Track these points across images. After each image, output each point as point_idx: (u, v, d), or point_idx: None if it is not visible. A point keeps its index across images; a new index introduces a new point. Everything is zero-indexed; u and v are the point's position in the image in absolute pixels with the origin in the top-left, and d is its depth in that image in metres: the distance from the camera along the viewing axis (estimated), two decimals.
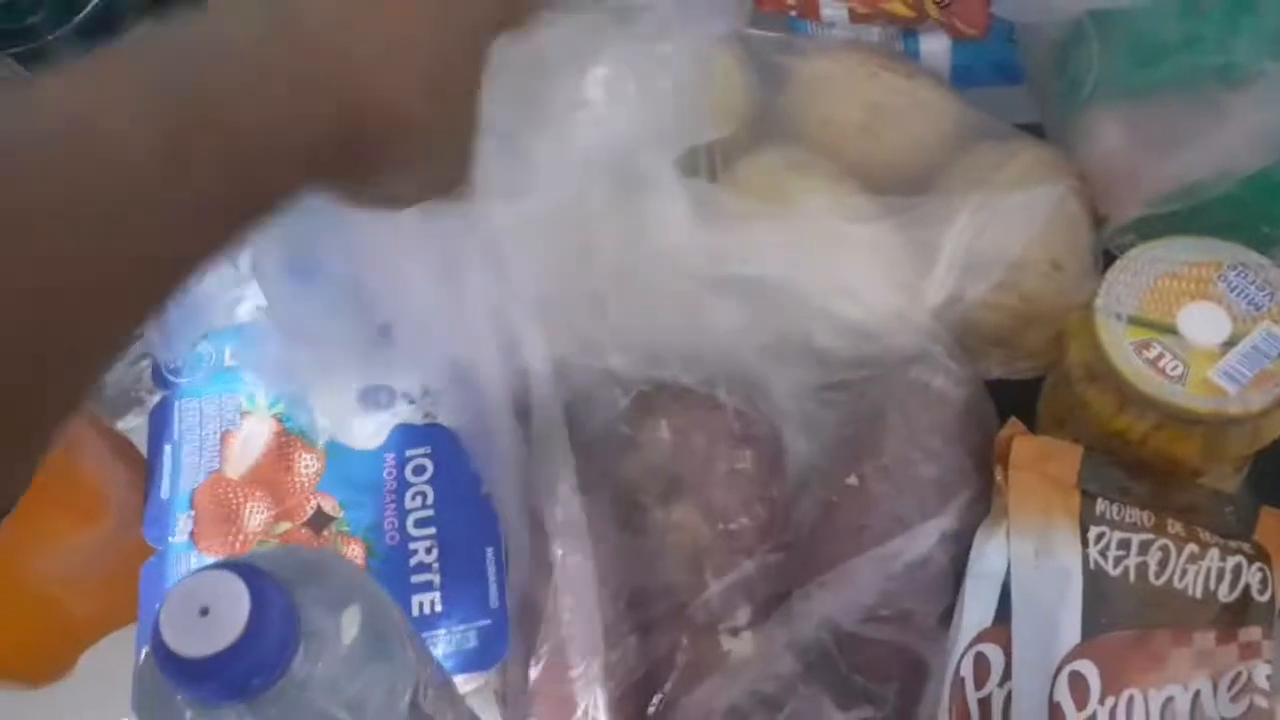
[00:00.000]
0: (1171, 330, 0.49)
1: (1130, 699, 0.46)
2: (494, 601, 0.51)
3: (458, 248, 0.51)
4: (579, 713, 0.49)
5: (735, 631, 0.51)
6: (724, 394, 0.55)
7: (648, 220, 0.53)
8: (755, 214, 0.56)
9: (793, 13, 0.70)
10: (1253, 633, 0.47)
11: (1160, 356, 0.48)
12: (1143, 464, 0.51)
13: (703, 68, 0.61)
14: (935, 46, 0.69)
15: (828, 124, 0.63)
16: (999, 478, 0.51)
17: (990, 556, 0.50)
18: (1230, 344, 0.48)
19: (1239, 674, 0.46)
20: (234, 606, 0.30)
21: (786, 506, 0.55)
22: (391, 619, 0.36)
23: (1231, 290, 0.49)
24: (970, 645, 0.48)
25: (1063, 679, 0.47)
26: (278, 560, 0.35)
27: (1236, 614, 0.48)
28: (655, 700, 0.50)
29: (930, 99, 0.64)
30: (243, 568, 0.32)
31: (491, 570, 0.52)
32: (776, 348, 0.56)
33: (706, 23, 0.62)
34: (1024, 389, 0.58)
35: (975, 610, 0.49)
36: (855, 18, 0.69)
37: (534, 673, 0.50)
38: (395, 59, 0.33)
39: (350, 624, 0.35)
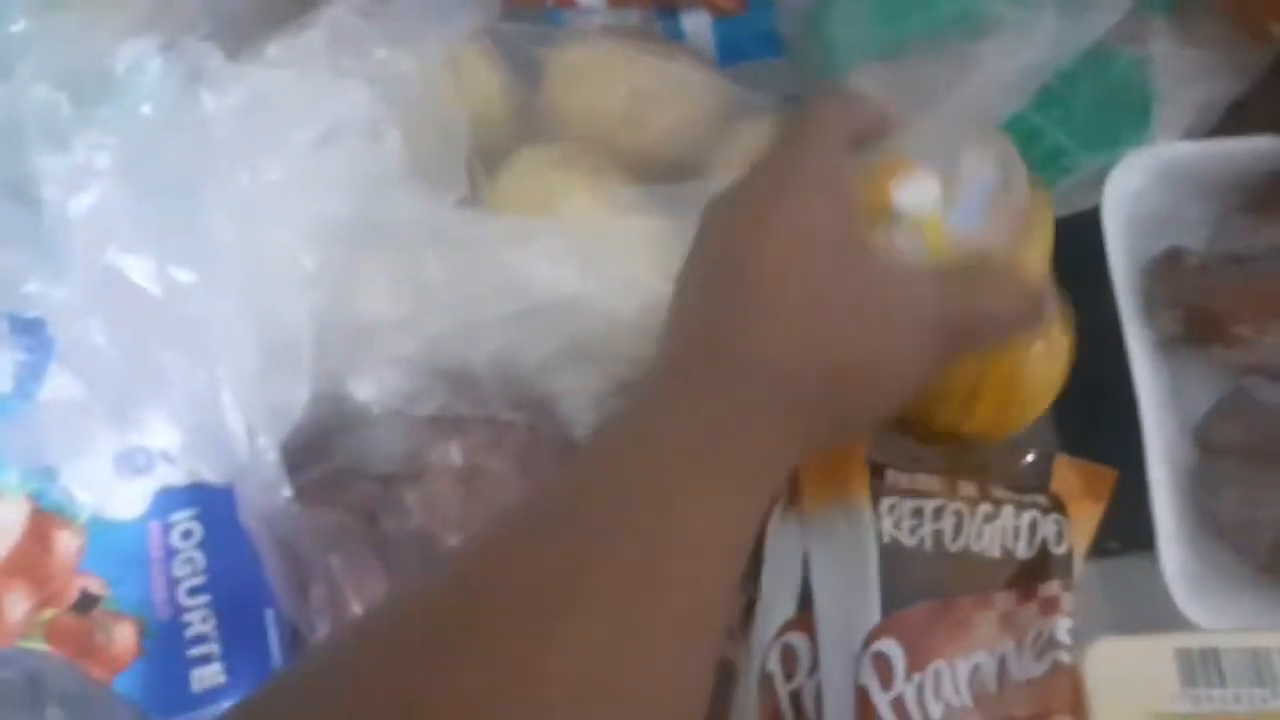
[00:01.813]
0: (892, 213, 0.45)
1: (937, 672, 0.45)
2: (278, 663, 0.48)
3: (196, 324, 0.47)
4: None
5: None
6: (510, 412, 0.53)
7: (410, 261, 0.51)
8: (521, 231, 0.54)
9: (548, 2, 0.67)
10: (1052, 587, 0.46)
11: (893, 239, 0.44)
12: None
13: (451, 72, 0.58)
14: (697, 24, 0.68)
15: (590, 115, 0.61)
16: None
17: (786, 543, 0.48)
18: (949, 194, 0.45)
19: (1040, 632, 0.45)
20: None
21: None
22: None
23: (922, 154, 0.46)
24: (776, 637, 0.47)
25: (866, 661, 0.45)
26: None
27: (1035, 570, 0.47)
28: None
29: (692, 79, 0.62)
30: None
31: (273, 631, 0.49)
32: (558, 362, 0.54)
33: (455, 19, 0.59)
34: None
35: (777, 601, 0.48)
36: (613, 2, 0.67)
37: None
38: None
39: None
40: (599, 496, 0.36)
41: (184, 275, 0.44)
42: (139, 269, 0.44)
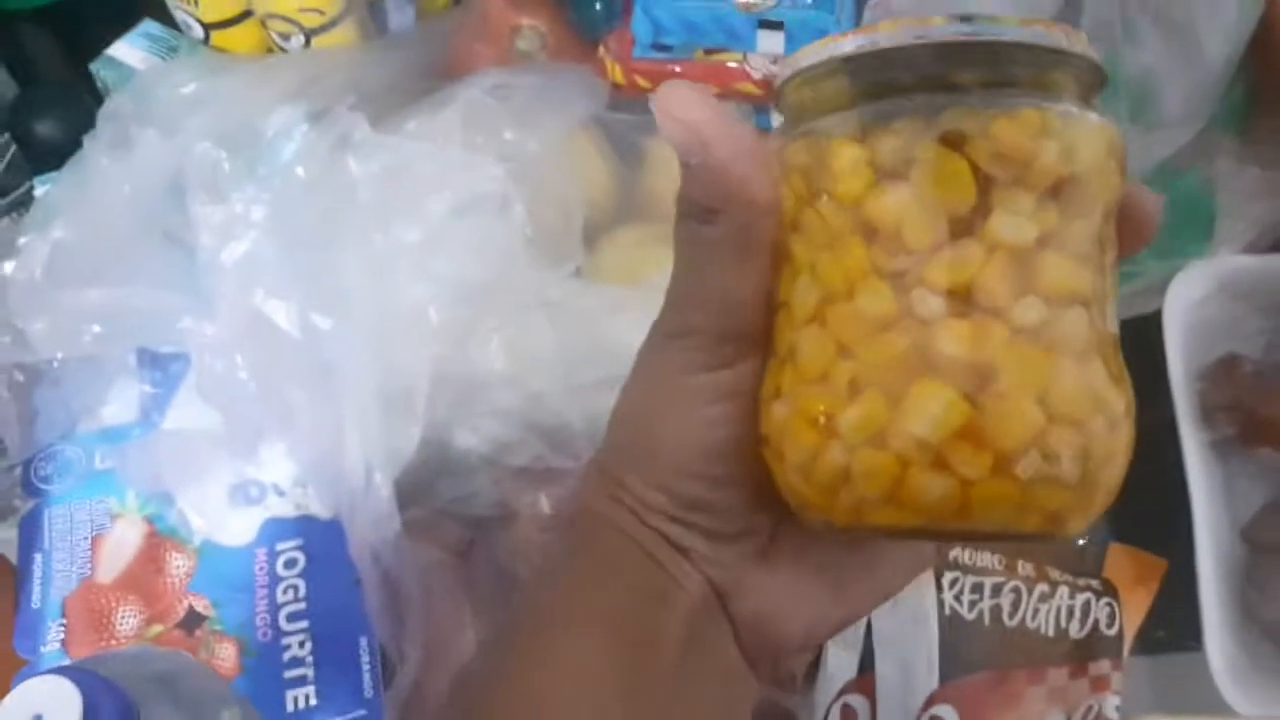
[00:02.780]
0: None
1: None
2: (368, 691, 0.51)
3: (328, 366, 0.51)
4: None
5: None
6: None
7: (522, 323, 0.54)
8: (619, 301, 0.58)
9: (650, 95, 0.72)
10: (1102, 666, 0.49)
11: None
12: None
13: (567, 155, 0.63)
14: None
15: None
16: None
17: None
18: None
19: (1090, 707, 0.48)
20: (66, 713, 0.31)
21: None
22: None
23: None
24: (837, 697, 0.50)
25: None
26: (124, 665, 0.35)
27: (1087, 649, 0.50)
28: None
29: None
30: (77, 673, 0.32)
31: (365, 659, 0.52)
32: None
33: (571, 106, 0.64)
34: None
35: (839, 661, 0.50)
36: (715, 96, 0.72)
37: None
38: None
39: None
40: None
41: (321, 321, 0.48)
42: (281, 313, 0.48)
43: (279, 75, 0.55)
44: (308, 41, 0.61)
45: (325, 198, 0.49)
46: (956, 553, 0.52)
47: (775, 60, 0.71)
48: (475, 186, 0.49)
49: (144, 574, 0.54)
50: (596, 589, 0.32)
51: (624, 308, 0.56)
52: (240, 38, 0.62)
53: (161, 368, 0.59)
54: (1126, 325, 0.52)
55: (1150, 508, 0.57)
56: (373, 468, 0.49)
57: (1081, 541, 0.53)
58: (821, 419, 0.26)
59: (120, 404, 0.59)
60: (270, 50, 0.62)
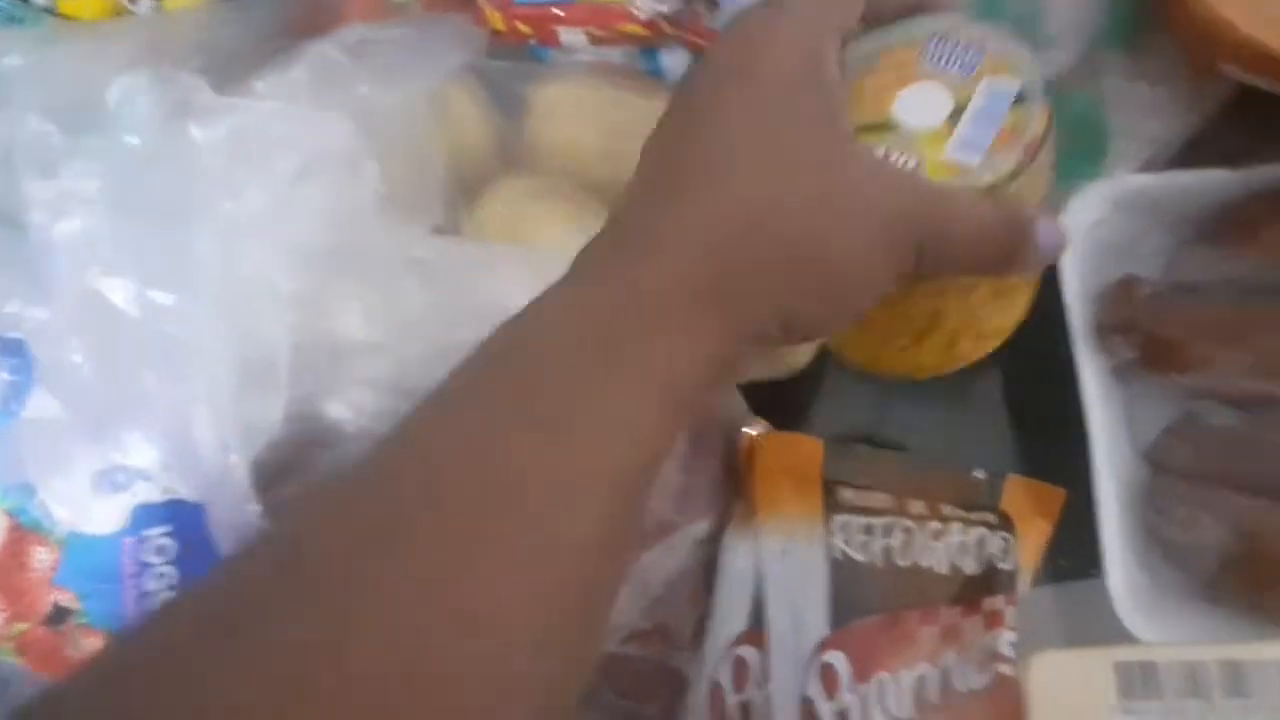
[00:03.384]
0: (890, 126, 0.41)
1: (881, 683, 0.46)
2: None
3: (175, 345, 0.49)
4: None
5: None
6: None
7: (384, 287, 0.52)
8: (494, 258, 0.56)
9: (532, 41, 0.70)
10: (996, 602, 0.48)
11: (887, 155, 0.40)
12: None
13: (437, 107, 0.61)
14: (676, 62, 0.70)
15: (568, 150, 0.63)
16: (745, 478, 0.51)
17: (741, 559, 0.50)
18: (957, 115, 0.41)
19: (984, 645, 0.47)
20: None
21: None
22: None
23: (939, 62, 0.42)
24: (728, 650, 0.48)
25: (813, 672, 0.47)
26: None
27: (981, 586, 0.49)
28: None
29: None
30: None
31: None
32: None
33: (441, 57, 0.62)
34: (777, 389, 0.58)
35: (730, 614, 0.49)
36: (594, 40, 0.69)
37: None
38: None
39: None
40: (444, 427, 0.33)
41: (163, 297, 0.46)
42: (119, 292, 0.46)
43: (121, 41, 0.52)
44: (159, 2, 0.58)
45: (165, 167, 0.47)
46: (847, 494, 0.51)
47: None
48: (322, 145, 0.47)
49: (6, 571, 0.52)
50: None
51: (500, 264, 0.54)
52: (87, 3, 0.60)
53: (19, 354, 0.57)
54: None
55: (1050, 436, 0.56)
56: (229, 448, 0.47)
57: (979, 474, 0.52)
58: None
59: None
60: (119, 14, 0.60)
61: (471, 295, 0.53)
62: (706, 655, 0.48)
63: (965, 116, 0.41)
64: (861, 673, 0.47)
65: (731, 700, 0.48)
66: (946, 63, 0.42)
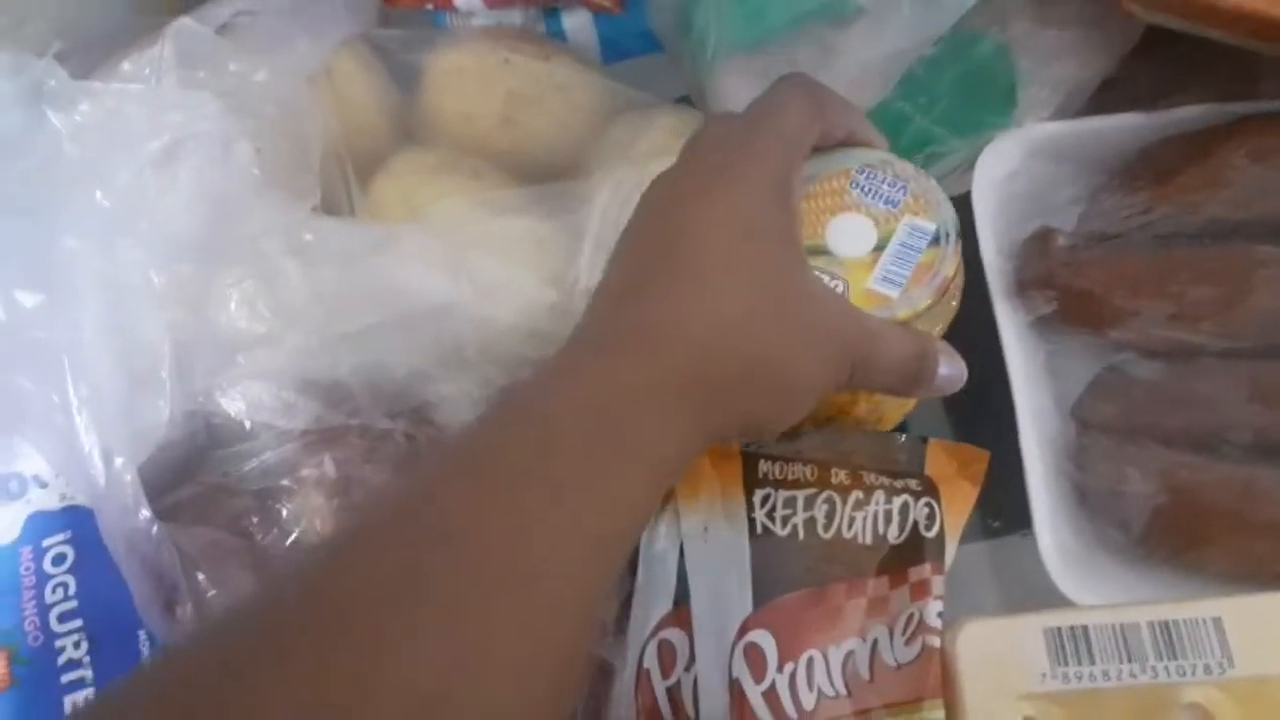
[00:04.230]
0: (823, 250, 0.45)
1: (810, 660, 0.45)
2: None
3: (47, 348, 0.46)
4: None
5: None
6: (387, 421, 0.52)
7: (266, 274, 0.50)
8: (387, 238, 0.53)
9: (429, 6, 0.67)
10: (923, 571, 0.47)
11: (820, 277, 0.45)
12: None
13: (325, 85, 0.58)
14: (578, 23, 0.68)
15: (466, 119, 0.61)
16: None
17: (661, 540, 0.48)
18: (880, 248, 0.45)
19: (912, 615, 0.45)
20: None
21: None
22: None
23: (866, 194, 0.46)
24: (652, 634, 0.47)
25: (739, 652, 0.45)
26: None
27: (907, 554, 0.47)
28: None
29: (569, 79, 0.62)
30: None
31: (146, 653, 0.48)
32: (430, 370, 0.53)
33: (327, 29, 0.59)
34: None
35: (653, 598, 0.47)
36: (493, 3, 0.67)
37: None
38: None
39: None
40: (464, 481, 0.35)
41: (29, 299, 0.43)
42: None
43: None
44: None
45: (23, 159, 0.44)
46: (767, 468, 0.49)
47: None
48: (190, 127, 0.44)
49: None
50: None
51: (392, 244, 0.52)
52: None
53: None
54: None
55: (975, 398, 0.55)
56: (113, 453, 0.44)
57: (901, 439, 0.51)
58: None
59: None
60: None
61: (366, 278, 0.51)
62: (630, 641, 0.47)
63: (887, 252, 0.46)
64: (789, 651, 0.45)
65: (659, 685, 0.46)
66: (873, 195, 0.46)
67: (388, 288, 0.50)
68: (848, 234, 0.46)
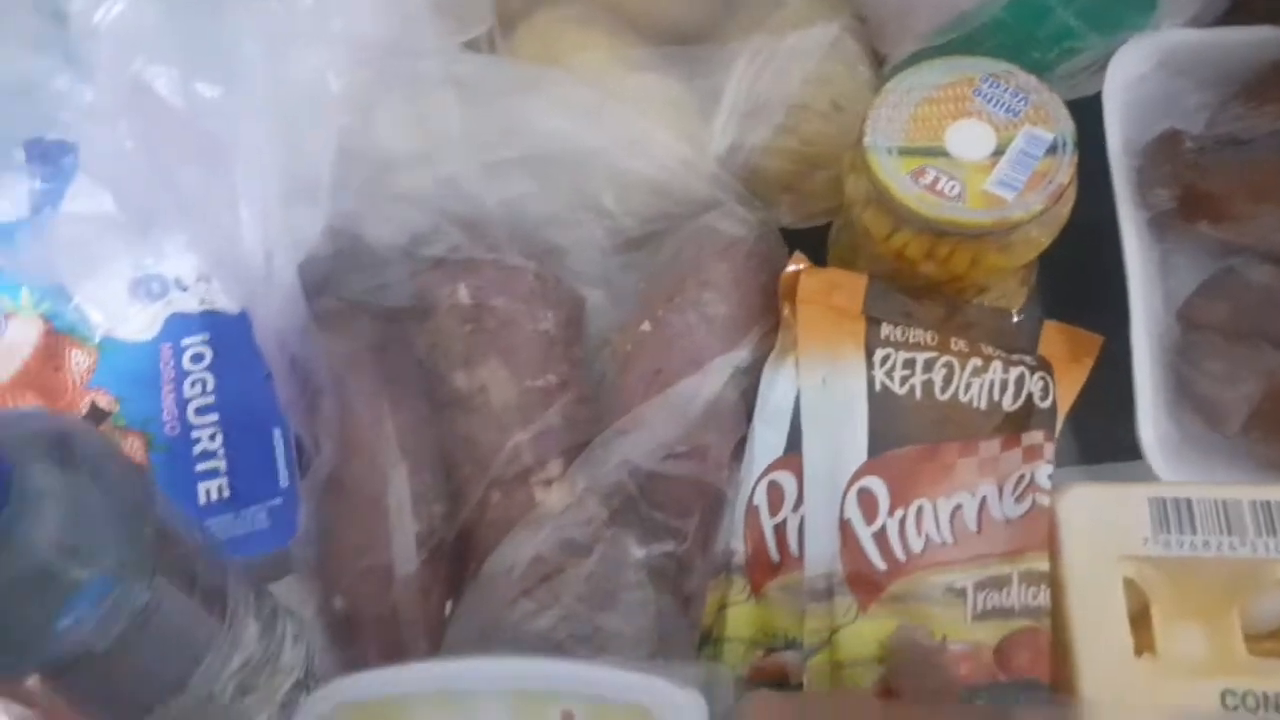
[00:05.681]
0: (941, 153, 0.49)
1: (920, 509, 0.47)
2: (284, 481, 0.50)
3: (219, 140, 0.48)
4: (395, 587, 0.48)
5: (547, 484, 0.50)
6: (519, 259, 0.54)
7: (429, 99, 0.51)
8: (534, 80, 0.55)
9: None
10: (1035, 436, 0.48)
11: (936, 180, 0.48)
12: (928, 288, 0.52)
13: None
14: None
15: None
16: (786, 312, 0.51)
17: (780, 388, 0.50)
18: (998, 153, 0.49)
19: (1023, 476, 0.47)
20: None
21: (589, 364, 0.54)
22: (135, 482, 0.34)
23: (988, 102, 0.50)
24: (763, 475, 0.49)
25: (852, 496, 0.47)
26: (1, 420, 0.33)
27: (1020, 421, 0.49)
28: (472, 564, 0.49)
29: None
30: None
31: (280, 449, 0.50)
32: (566, 214, 0.55)
33: None
34: (814, 235, 0.58)
35: (766, 440, 0.49)
36: None
37: (339, 549, 0.49)
38: None
39: (82, 482, 0.33)
40: None
41: (208, 90, 0.45)
42: (164, 81, 0.45)
43: None
44: None
45: None
46: (889, 331, 0.51)
47: None
48: None
49: (42, 372, 0.52)
50: None
51: (536, 86, 0.53)
52: None
53: (52, 162, 0.56)
54: (1067, 106, 0.51)
55: (1087, 290, 0.56)
56: (273, 251, 0.46)
57: (1016, 318, 0.52)
58: None
59: (9, 200, 0.55)
60: None
61: (515, 116, 0.52)
62: (743, 479, 0.49)
63: (1005, 157, 0.48)
64: (900, 498, 0.47)
65: (767, 523, 0.48)
66: (995, 104, 0.49)
67: (534, 128, 0.52)
68: (967, 138, 0.49)
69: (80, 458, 0.33)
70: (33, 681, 0.34)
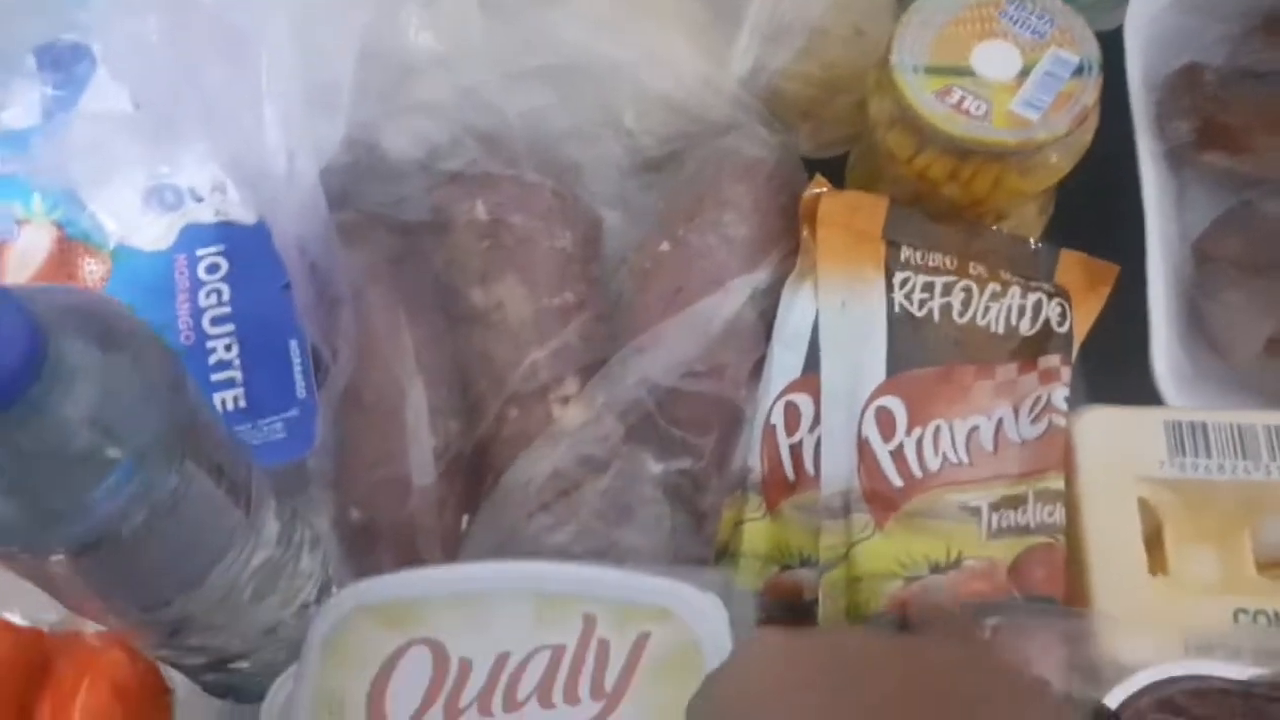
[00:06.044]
0: (967, 72, 0.49)
1: (937, 428, 0.47)
2: (301, 391, 0.50)
3: (244, 37, 0.48)
4: (412, 498, 0.48)
5: (564, 400, 0.50)
6: (537, 175, 0.53)
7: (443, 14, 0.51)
8: None
9: None
10: (1052, 360, 0.48)
11: (962, 99, 0.48)
12: (948, 211, 0.52)
13: None
14: None
15: None
16: (806, 234, 0.51)
17: (798, 309, 0.50)
18: (1024, 74, 0.49)
19: (1039, 397, 0.47)
20: None
21: (606, 283, 0.54)
22: (167, 364, 0.34)
23: (1014, 24, 0.50)
24: (780, 395, 0.49)
25: (870, 415, 0.47)
26: (34, 293, 0.33)
27: (1037, 345, 0.49)
28: (488, 479, 0.49)
29: None
30: None
31: (296, 361, 0.50)
32: (586, 129, 0.55)
33: None
34: (834, 164, 0.58)
35: (784, 362, 0.49)
36: None
37: (356, 460, 0.49)
38: None
39: (116, 360, 0.32)
40: None
41: None
42: None
43: None
44: None
45: None
46: (908, 254, 0.51)
47: None
48: None
49: (55, 279, 0.52)
50: None
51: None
52: None
53: (65, 68, 0.55)
54: None
55: (1105, 220, 0.56)
56: (295, 153, 0.46)
57: (1034, 246, 0.52)
58: None
59: (21, 107, 0.55)
60: None
61: (532, 26, 0.52)
62: (761, 397, 0.49)
63: (1031, 78, 0.49)
64: (918, 417, 0.47)
65: (783, 442, 0.48)
66: (1021, 26, 0.50)
67: (557, 38, 0.51)
68: (994, 58, 0.49)
69: (114, 335, 0.33)
70: (56, 560, 0.33)
